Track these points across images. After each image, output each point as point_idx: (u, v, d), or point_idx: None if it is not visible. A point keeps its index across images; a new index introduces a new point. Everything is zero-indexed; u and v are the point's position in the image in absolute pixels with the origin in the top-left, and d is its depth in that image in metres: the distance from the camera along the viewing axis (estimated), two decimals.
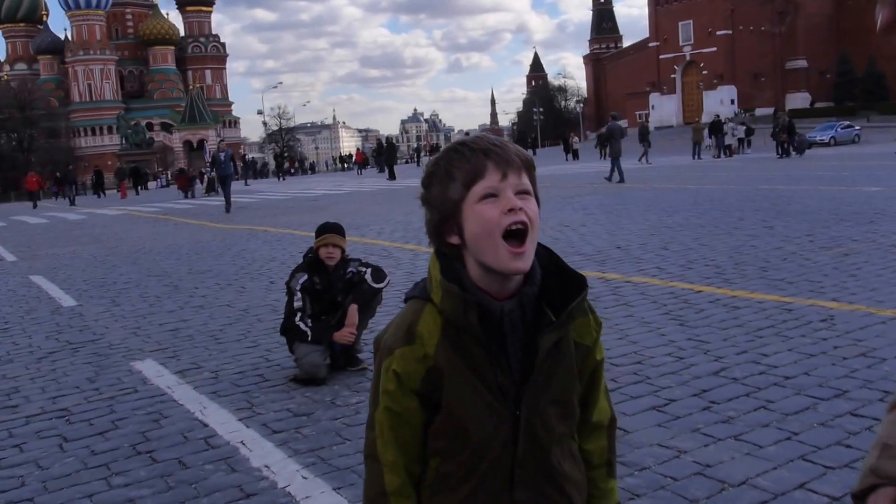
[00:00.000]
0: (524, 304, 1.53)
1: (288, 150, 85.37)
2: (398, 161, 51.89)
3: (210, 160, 25.55)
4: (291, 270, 5.81)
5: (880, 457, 1.22)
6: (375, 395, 1.58)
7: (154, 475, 3.98)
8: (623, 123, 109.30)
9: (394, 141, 42.52)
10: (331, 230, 5.66)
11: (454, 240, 1.52)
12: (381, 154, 54.61)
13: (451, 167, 1.50)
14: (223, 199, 24.06)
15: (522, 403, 1.53)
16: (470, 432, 1.53)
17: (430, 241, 1.57)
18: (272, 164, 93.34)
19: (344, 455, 4.05)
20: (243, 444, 4.33)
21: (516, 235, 1.47)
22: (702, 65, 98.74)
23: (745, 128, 44.13)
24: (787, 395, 4.47)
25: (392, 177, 38.85)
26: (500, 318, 1.51)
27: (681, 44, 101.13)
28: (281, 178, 58.10)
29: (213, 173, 25.17)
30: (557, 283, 1.56)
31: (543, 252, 1.58)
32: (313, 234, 5.81)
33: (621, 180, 23.50)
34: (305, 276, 5.59)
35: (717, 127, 40.06)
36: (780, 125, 37.43)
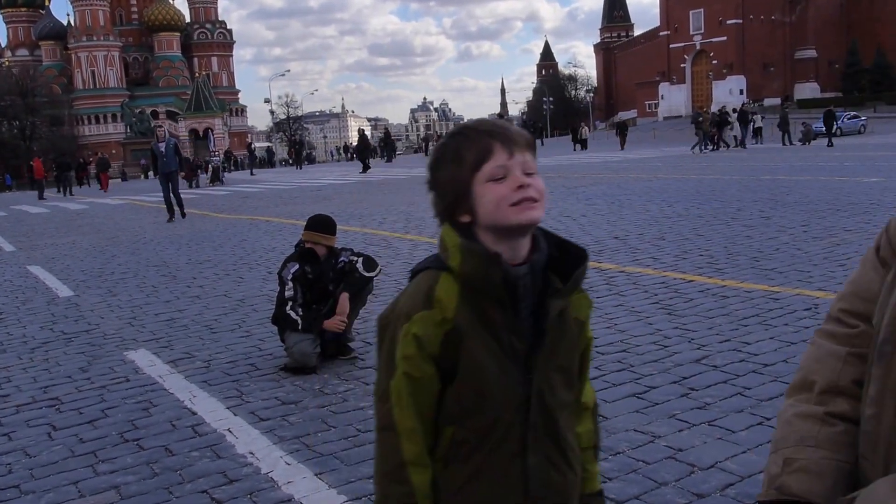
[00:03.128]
0: (534, 270, 1.58)
1: (297, 139, 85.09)
2: (398, 151, 51.75)
3: (150, 153, 20.64)
4: (283, 260, 5.87)
5: (784, 472, 1.24)
6: (389, 364, 1.58)
7: (140, 462, 4.06)
8: (632, 114, 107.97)
9: (365, 132, 42.70)
10: (314, 227, 5.73)
11: (465, 218, 1.56)
12: (386, 144, 54.67)
13: (460, 149, 1.55)
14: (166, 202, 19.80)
15: (534, 367, 1.58)
16: (486, 395, 1.56)
17: (439, 221, 1.61)
18: (279, 153, 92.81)
19: (328, 441, 4.13)
20: (230, 431, 4.40)
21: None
22: (711, 54, 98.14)
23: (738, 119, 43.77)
24: (763, 381, 4.55)
25: (365, 169, 38.10)
26: (514, 283, 1.55)
27: (691, 33, 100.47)
28: (299, 167, 58.13)
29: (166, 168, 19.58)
30: (560, 256, 1.61)
31: (543, 232, 1.63)
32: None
33: None
34: (297, 266, 5.63)
35: (721, 120, 39.54)
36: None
